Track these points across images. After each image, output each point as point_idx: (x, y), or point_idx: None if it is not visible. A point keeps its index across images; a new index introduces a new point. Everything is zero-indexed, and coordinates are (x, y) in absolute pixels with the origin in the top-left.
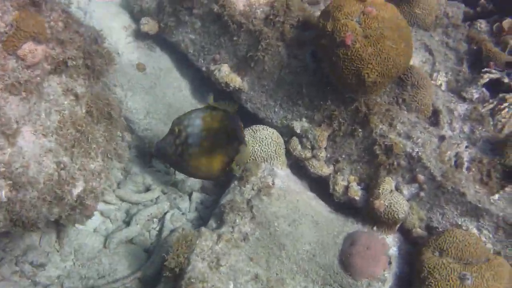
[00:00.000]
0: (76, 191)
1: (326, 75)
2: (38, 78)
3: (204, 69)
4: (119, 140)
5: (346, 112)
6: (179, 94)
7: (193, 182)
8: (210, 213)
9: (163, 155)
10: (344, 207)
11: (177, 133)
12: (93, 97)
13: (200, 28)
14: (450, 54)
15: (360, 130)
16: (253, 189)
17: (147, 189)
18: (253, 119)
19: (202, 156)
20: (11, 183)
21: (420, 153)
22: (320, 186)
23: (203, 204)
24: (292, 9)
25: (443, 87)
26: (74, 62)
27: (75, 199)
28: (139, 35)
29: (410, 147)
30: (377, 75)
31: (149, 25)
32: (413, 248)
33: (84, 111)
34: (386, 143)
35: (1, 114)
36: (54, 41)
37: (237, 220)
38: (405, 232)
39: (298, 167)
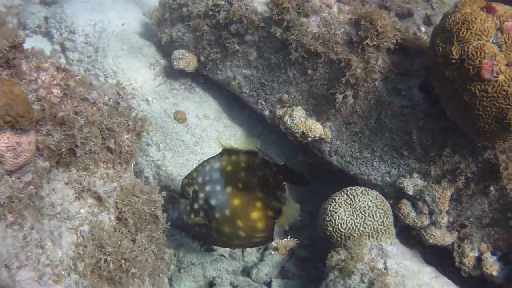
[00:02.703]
0: None
1: (445, 115)
2: (31, 187)
3: (267, 113)
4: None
5: (476, 165)
6: None
7: (270, 267)
8: None
9: (181, 227)
10: (474, 279)
11: (191, 195)
12: (124, 193)
13: (257, 60)
14: None
15: (495, 186)
16: (362, 281)
17: (210, 284)
18: (341, 176)
19: (236, 219)
20: None
21: None
22: (437, 254)
23: None
24: (386, 28)
25: None
26: (87, 148)
27: None
28: (171, 73)
29: None
30: None
31: (185, 60)
32: None
33: (113, 218)
34: None
35: None
36: (49, 122)
37: None
38: None
39: (405, 231)
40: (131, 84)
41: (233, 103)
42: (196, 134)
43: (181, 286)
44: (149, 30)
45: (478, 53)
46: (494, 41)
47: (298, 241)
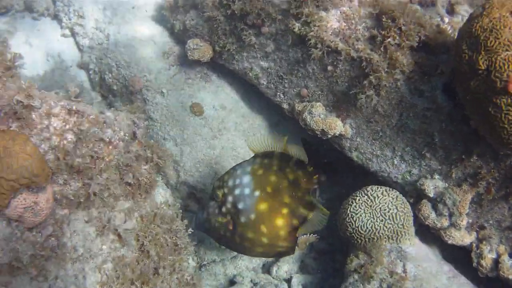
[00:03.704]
0: None
1: (469, 120)
2: (52, 239)
3: (285, 106)
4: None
5: (497, 171)
6: None
7: (290, 263)
8: None
9: (208, 231)
10: (491, 280)
11: (221, 198)
12: (144, 224)
13: (275, 53)
14: None
15: None
16: (381, 286)
17: (231, 282)
18: (362, 172)
19: (261, 224)
20: None
21: None
22: (455, 251)
23: None
24: (409, 26)
25: None
26: (105, 194)
27: None
28: (186, 61)
29: None
30: None
31: (200, 50)
32: None
33: (135, 251)
34: None
35: None
36: (64, 172)
37: None
38: None
39: (425, 227)
40: (145, 76)
41: (250, 90)
42: (214, 127)
43: (202, 285)
44: (161, 14)
45: (506, 66)
46: None
47: (317, 237)
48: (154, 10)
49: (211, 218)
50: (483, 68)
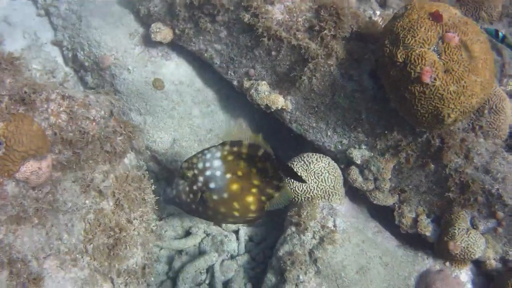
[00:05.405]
0: None
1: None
2: (49, 195)
3: (235, 83)
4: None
5: (415, 144)
6: (207, 111)
7: None
8: (263, 251)
9: (178, 204)
10: (411, 236)
11: (191, 178)
12: (119, 183)
13: (227, 38)
14: None
15: (432, 164)
16: (314, 237)
17: (187, 233)
18: (300, 141)
19: (233, 201)
20: None
21: (500, 191)
22: (380, 210)
23: (252, 241)
24: (343, 19)
25: None
26: (90, 159)
27: None
28: (149, 41)
29: (489, 183)
30: (459, 114)
31: (161, 33)
32: (486, 279)
33: (111, 204)
34: (462, 179)
35: (13, 255)
36: (59, 143)
37: (301, 276)
38: (477, 263)
39: (354, 190)
40: (113, 54)
41: (206, 68)
42: (173, 100)
43: (163, 234)
44: (127, 1)
45: (420, 60)
46: (435, 49)
47: None
48: None
49: (181, 194)
50: (400, 61)
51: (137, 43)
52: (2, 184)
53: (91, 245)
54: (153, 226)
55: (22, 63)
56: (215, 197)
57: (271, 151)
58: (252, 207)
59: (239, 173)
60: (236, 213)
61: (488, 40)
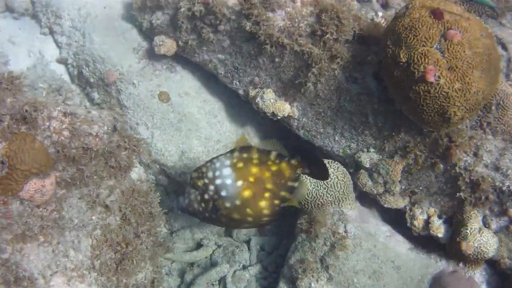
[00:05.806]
0: None
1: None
2: (54, 213)
3: (241, 92)
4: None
5: (423, 144)
6: (214, 121)
7: None
8: (274, 261)
9: (192, 213)
10: (424, 238)
11: (202, 187)
12: (125, 198)
13: (230, 47)
14: None
15: (441, 164)
16: (325, 244)
17: (199, 245)
18: (307, 146)
19: (246, 207)
20: None
21: (511, 187)
22: (392, 213)
23: (264, 250)
24: (345, 22)
25: None
26: (95, 176)
27: None
28: (153, 55)
29: (500, 180)
30: (465, 112)
31: (165, 46)
32: (500, 279)
33: (118, 219)
34: (472, 177)
35: (20, 273)
36: (63, 161)
37: (313, 284)
38: (491, 262)
39: (365, 195)
40: (118, 69)
41: (211, 79)
42: (180, 112)
43: (172, 246)
44: (130, 13)
45: (423, 59)
46: (438, 47)
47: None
48: (123, 8)
49: (193, 203)
50: (404, 61)
51: (141, 57)
52: (7, 204)
53: (98, 260)
54: (161, 239)
55: (22, 81)
56: (227, 204)
57: (286, 152)
58: (266, 211)
59: (251, 179)
60: (250, 219)
61: (493, 36)
